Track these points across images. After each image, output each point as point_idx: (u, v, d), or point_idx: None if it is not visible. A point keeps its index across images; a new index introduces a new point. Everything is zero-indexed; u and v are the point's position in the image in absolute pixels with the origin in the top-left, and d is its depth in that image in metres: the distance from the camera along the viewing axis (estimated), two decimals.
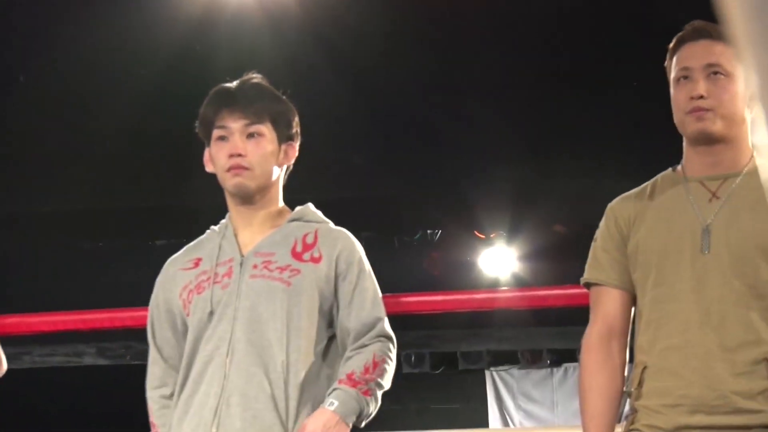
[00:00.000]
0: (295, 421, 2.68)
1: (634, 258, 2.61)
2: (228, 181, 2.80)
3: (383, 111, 6.95)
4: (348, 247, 2.81)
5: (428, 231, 9.21)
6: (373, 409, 2.75)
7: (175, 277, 2.85)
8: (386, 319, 2.81)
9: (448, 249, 9.10)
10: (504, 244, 8.87)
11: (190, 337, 2.78)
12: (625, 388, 2.62)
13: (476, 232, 8.86)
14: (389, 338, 2.80)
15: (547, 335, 9.85)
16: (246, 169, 2.78)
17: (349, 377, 2.70)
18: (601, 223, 2.70)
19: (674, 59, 2.61)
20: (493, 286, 8.70)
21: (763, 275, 2.50)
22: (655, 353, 2.53)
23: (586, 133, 6.97)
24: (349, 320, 2.76)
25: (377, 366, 2.74)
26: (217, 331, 2.73)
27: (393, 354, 2.80)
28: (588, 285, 2.69)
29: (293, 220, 2.85)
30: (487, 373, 10.93)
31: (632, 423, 2.56)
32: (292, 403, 2.68)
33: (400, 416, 9.52)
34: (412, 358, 10.65)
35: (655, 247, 2.57)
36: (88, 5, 5.89)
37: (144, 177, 7.65)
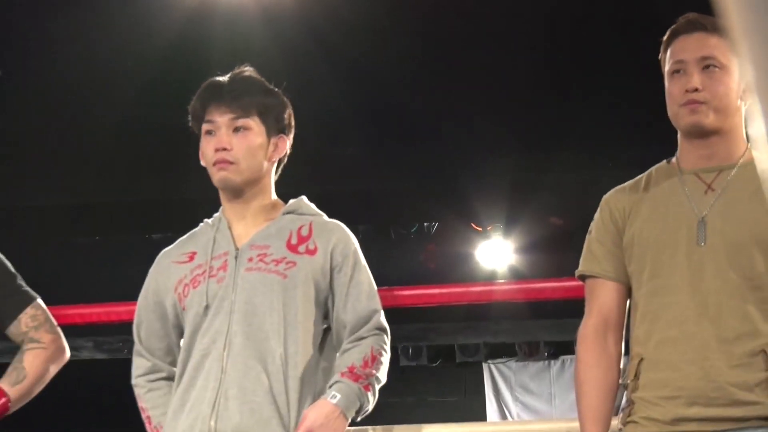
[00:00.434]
0: (296, 414, 2.67)
1: (630, 250, 2.61)
2: (214, 176, 2.81)
3: (379, 104, 6.95)
4: (343, 239, 2.81)
5: (425, 223, 9.21)
6: (372, 404, 2.76)
7: (169, 270, 2.85)
8: (382, 312, 2.81)
9: (445, 241, 9.10)
10: (501, 236, 8.86)
11: (186, 331, 2.78)
12: (621, 381, 2.61)
13: (473, 225, 8.85)
14: (384, 331, 2.80)
15: (545, 327, 9.84)
16: (231, 163, 2.77)
17: (351, 370, 2.70)
18: (596, 216, 2.70)
19: (668, 52, 2.60)
20: (490, 278, 8.69)
21: (758, 267, 2.49)
22: (651, 345, 2.53)
23: (582, 125, 6.97)
24: (346, 312, 2.76)
25: (375, 360, 2.74)
26: (214, 325, 2.73)
27: (388, 347, 2.80)
28: (583, 277, 2.68)
29: (287, 212, 2.85)
30: (485, 366, 10.93)
31: (629, 415, 2.56)
32: (293, 396, 2.68)
33: (397, 409, 9.53)
34: (410, 351, 10.64)
35: (651, 240, 2.57)
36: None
37: (140, 171, 7.64)
